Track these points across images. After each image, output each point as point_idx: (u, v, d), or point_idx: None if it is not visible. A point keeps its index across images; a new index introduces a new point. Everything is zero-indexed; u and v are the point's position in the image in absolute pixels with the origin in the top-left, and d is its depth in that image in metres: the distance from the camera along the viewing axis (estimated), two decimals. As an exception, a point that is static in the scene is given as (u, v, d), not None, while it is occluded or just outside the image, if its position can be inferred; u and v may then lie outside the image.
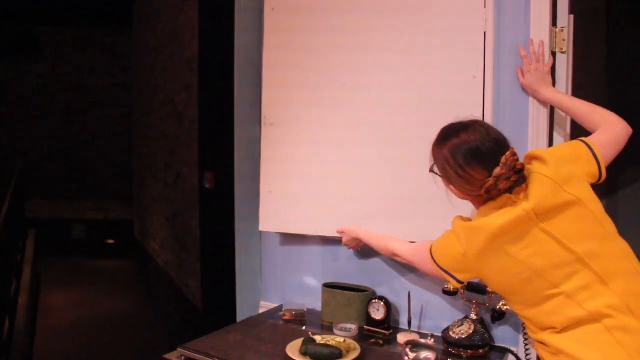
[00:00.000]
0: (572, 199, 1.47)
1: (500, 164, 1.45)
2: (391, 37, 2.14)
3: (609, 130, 1.65)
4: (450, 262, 1.61)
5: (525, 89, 1.94)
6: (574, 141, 1.64)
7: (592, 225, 1.47)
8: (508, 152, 1.46)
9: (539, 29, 1.92)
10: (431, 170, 1.65)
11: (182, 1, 4.68)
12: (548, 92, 1.88)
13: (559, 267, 1.43)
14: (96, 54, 8.74)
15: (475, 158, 1.48)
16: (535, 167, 1.53)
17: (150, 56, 6.08)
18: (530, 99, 1.93)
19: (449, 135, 1.56)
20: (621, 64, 3.30)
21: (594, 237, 1.46)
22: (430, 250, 1.67)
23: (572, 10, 1.98)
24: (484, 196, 1.51)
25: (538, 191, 1.48)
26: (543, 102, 1.91)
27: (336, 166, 2.28)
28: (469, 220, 1.57)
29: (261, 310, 2.54)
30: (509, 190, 1.49)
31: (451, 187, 1.59)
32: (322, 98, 2.29)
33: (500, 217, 1.47)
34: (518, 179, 1.47)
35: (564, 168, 1.52)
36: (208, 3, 3.77)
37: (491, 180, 1.46)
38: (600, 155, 1.58)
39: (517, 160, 1.46)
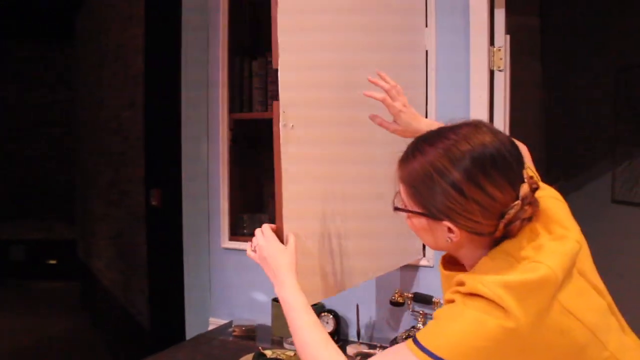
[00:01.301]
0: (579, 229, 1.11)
1: (526, 178, 1.00)
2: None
3: (526, 154, 1.31)
4: (483, 354, 0.94)
5: (403, 135, 1.45)
6: None
7: (592, 261, 1.12)
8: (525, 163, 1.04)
9: (478, 48, 2.01)
10: (396, 208, 1.10)
11: (127, 17, 4.63)
12: (425, 124, 1.45)
13: (603, 319, 1.04)
14: (36, 69, 8.51)
15: (496, 168, 0.97)
16: None
17: (93, 72, 5.97)
18: (471, 114, 2.01)
19: (440, 136, 1.03)
20: (554, 79, 3.47)
21: (598, 275, 1.11)
22: (424, 349, 0.95)
23: (508, 30, 2.09)
24: (498, 234, 1.00)
25: (566, 217, 1.10)
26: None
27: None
28: (511, 275, 0.96)
29: (211, 327, 2.52)
30: (529, 220, 1.01)
31: (443, 224, 1.02)
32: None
33: (551, 257, 0.97)
34: (534, 214, 1.02)
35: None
36: (154, 19, 3.75)
37: (518, 204, 0.98)
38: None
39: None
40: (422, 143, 1.05)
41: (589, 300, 1.02)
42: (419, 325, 2.04)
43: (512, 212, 0.97)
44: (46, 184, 8.48)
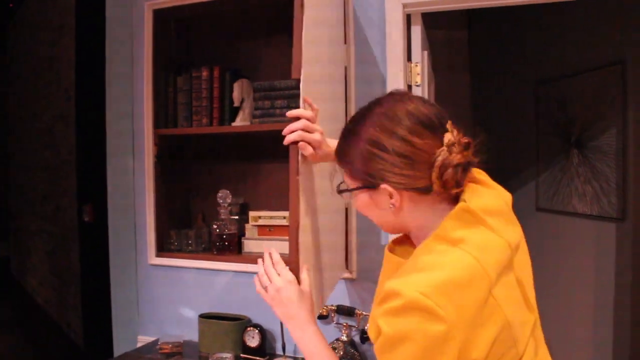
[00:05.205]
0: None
1: (449, 129, 1.01)
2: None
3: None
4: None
5: (315, 159, 1.34)
6: None
7: (530, 271, 1.08)
8: (449, 121, 1.03)
9: (395, 64, 2.06)
10: (340, 190, 1.13)
11: (58, 28, 4.53)
12: (333, 144, 1.32)
13: (524, 332, 0.99)
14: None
15: (411, 118, 1.00)
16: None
17: (25, 84, 5.81)
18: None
19: (364, 112, 1.08)
20: (480, 91, 3.58)
21: (533, 288, 1.06)
22: None
23: (425, 46, 2.15)
24: (436, 187, 1.00)
25: (500, 197, 1.10)
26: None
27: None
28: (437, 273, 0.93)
29: (139, 345, 2.48)
30: (464, 170, 1.01)
31: (381, 190, 1.02)
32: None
33: (480, 250, 0.96)
34: (469, 162, 1.02)
35: None
36: (83, 31, 3.68)
37: (444, 150, 0.98)
38: None
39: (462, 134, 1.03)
40: (351, 126, 1.08)
41: (515, 305, 0.98)
42: (343, 337, 2.06)
43: (439, 158, 0.97)
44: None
